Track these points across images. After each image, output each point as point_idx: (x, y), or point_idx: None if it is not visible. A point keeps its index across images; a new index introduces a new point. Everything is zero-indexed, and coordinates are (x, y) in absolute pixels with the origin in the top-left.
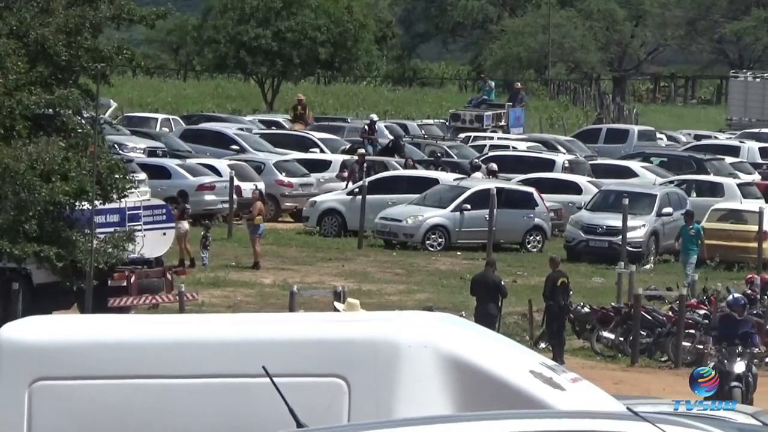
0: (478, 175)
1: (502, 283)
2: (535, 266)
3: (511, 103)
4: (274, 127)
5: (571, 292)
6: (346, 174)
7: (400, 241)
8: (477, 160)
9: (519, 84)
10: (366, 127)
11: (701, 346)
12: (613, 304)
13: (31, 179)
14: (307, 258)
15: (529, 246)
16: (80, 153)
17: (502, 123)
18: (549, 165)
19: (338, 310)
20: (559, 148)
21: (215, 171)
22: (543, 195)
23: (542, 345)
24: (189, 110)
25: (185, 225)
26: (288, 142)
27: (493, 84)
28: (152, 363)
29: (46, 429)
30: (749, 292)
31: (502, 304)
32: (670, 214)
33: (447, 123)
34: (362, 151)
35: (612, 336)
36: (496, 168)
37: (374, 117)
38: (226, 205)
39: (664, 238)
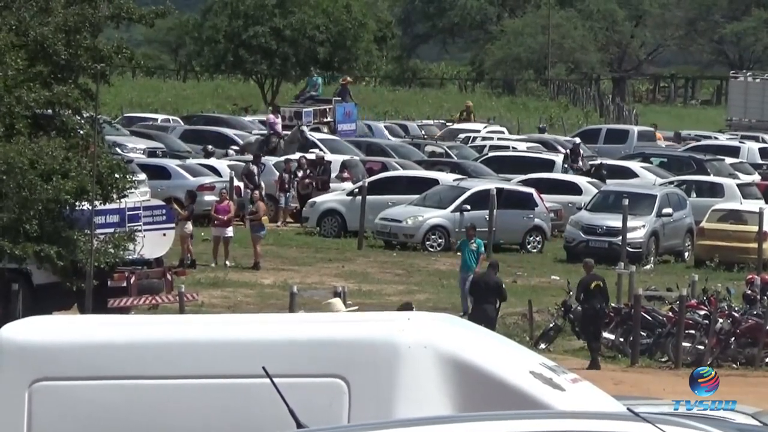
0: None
1: (503, 286)
2: (535, 267)
3: (339, 98)
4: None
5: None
6: (346, 174)
7: (400, 242)
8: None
9: (347, 78)
10: (568, 151)
11: (701, 347)
12: (613, 304)
13: (32, 177)
14: (307, 258)
15: (528, 246)
16: (80, 153)
17: (328, 119)
18: (548, 165)
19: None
20: (559, 148)
21: (215, 171)
22: (543, 195)
23: (542, 345)
24: (189, 111)
25: (190, 226)
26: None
27: (319, 79)
28: (152, 363)
29: (46, 429)
30: (749, 292)
31: (499, 306)
32: (670, 215)
33: None
34: (321, 154)
35: (612, 336)
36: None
37: (577, 140)
38: None
39: (664, 238)
